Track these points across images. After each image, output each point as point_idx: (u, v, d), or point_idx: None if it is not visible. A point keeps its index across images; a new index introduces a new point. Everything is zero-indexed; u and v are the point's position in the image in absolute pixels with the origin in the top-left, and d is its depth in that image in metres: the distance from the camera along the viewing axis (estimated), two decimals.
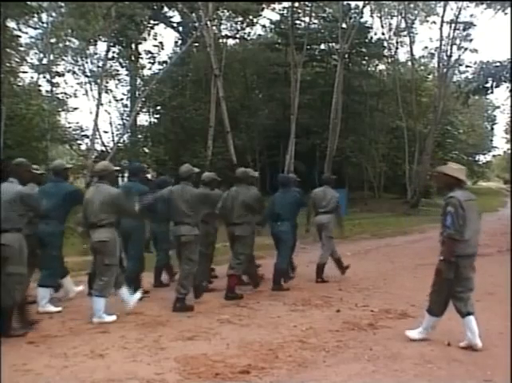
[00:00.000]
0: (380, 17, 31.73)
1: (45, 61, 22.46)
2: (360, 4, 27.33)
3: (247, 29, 28.40)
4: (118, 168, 6.47)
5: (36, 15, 18.49)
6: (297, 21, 27.36)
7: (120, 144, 21.80)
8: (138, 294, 6.05)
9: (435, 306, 4.84)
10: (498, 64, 17.28)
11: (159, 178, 7.81)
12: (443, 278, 4.67)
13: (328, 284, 7.95)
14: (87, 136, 22.47)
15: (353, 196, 26.88)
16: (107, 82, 24.06)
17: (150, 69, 25.45)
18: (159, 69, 23.61)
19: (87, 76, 24.52)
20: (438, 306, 4.82)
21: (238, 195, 6.98)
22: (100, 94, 19.65)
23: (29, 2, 15.67)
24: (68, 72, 24.37)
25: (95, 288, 5.65)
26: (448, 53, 28.69)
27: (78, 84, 24.94)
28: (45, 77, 22.72)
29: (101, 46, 24.31)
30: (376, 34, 30.68)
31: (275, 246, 7.79)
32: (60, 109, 23.77)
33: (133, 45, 24.58)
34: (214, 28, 23.68)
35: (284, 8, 27.02)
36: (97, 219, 5.60)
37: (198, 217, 6.29)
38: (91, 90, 24.59)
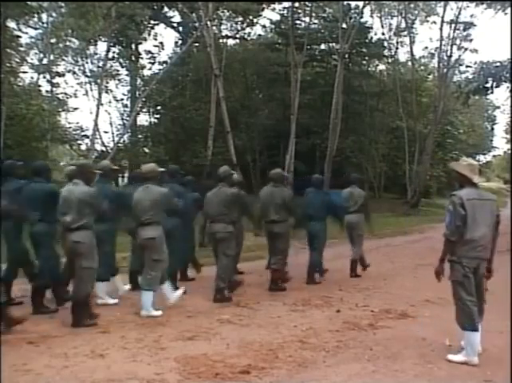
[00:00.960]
0: (380, 18, 31.72)
1: (45, 61, 22.48)
2: (361, 4, 27.32)
3: (247, 29, 28.44)
4: (163, 169, 6.74)
5: (36, 15, 18.52)
6: (297, 21, 27.33)
7: (120, 144, 21.83)
8: (180, 290, 6.35)
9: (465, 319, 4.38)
10: (498, 64, 17.30)
11: (184, 178, 8.07)
12: (455, 286, 4.42)
13: (328, 284, 7.96)
14: (87, 136, 22.51)
15: None
16: (107, 82, 24.09)
17: (150, 69, 25.53)
18: (160, 69, 23.64)
19: (87, 76, 24.56)
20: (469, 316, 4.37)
21: (274, 194, 7.39)
22: (100, 94, 19.68)
23: (29, 2, 15.69)
24: (69, 72, 24.42)
25: (143, 282, 5.96)
26: (448, 53, 28.70)
27: (78, 84, 25.00)
28: (45, 77, 22.76)
29: (101, 46, 24.29)
30: (376, 34, 30.71)
31: (308, 244, 8.23)
32: (60, 109, 23.80)
33: (133, 45, 24.61)
34: (214, 28, 23.67)
35: (284, 8, 27.04)
36: (146, 217, 5.93)
37: (232, 215, 6.69)
38: (91, 90, 24.65)
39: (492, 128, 62.53)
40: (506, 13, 21.50)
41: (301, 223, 7.98)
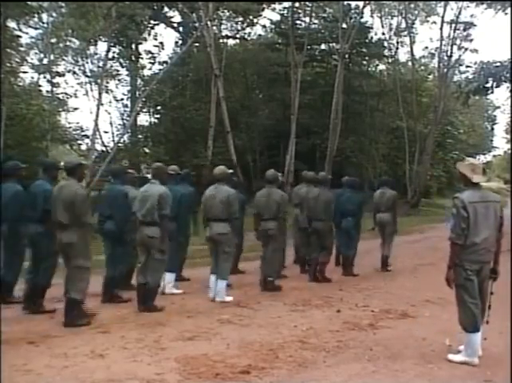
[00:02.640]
0: (381, 18, 31.70)
1: (45, 61, 22.47)
2: (361, 4, 27.34)
3: (247, 30, 28.46)
4: (230, 171, 7.32)
5: (36, 15, 18.52)
6: (298, 22, 27.35)
7: (120, 144, 21.82)
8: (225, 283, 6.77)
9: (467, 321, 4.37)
10: (498, 64, 17.29)
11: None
12: (458, 289, 4.40)
13: (328, 284, 7.97)
14: (87, 136, 22.52)
15: None
16: (107, 82, 24.08)
17: (150, 69, 25.54)
18: (160, 69, 23.64)
19: (87, 76, 24.54)
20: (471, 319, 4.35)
21: (319, 195, 8.07)
22: (100, 94, 19.66)
23: (29, 2, 15.69)
24: (69, 72, 24.39)
25: (217, 272, 6.64)
26: (448, 53, 28.73)
27: (78, 84, 24.96)
28: (45, 77, 22.74)
29: (102, 46, 24.28)
30: (376, 34, 30.70)
31: (340, 240, 8.92)
32: (60, 109, 23.81)
33: (133, 45, 24.62)
34: (214, 28, 23.71)
35: (284, 8, 27.04)
36: (216, 214, 6.61)
37: (280, 214, 7.33)
38: (91, 90, 24.61)
39: (492, 128, 62.54)
40: (506, 13, 21.50)
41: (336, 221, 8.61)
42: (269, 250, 7.38)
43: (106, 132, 26.18)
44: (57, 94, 23.78)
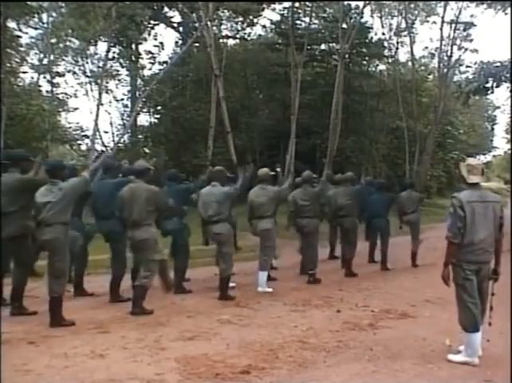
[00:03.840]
0: (381, 18, 31.67)
1: (45, 61, 22.49)
2: (361, 4, 27.29)
3: (247, 30, 28.41)
4: (274, 173, 7.83)
5: (36, 15, 18.52)
6: (298, 22, 27.29)
7: (120, 145, 21.84)
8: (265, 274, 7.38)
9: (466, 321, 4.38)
10: (498, 64, 17.29)
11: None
12: (457, 289, 4.41)
13: (328, 284, 7.97)
14: (87, 137, 22.56)
15: None
16: (107, 82, 24.11)
17: (150, 69, 25.56)
18: (160, 69, 23.64)
19: (87, 76, 24.56)
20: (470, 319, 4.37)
21: (346, 194, 8.87)
22: (100, 94, 19.68)
23: (29, 2, 15.68)
24: (69, 72, 24.43)
25: (260, 265, 7.34)
26: (449, 53, 28.71)
27: (78, 84, 25.03)
28: (45, 78, 22.77)
29: (102, 46, 24.37)
30: (376, 34, 30.62)
31: (370, 238, 9.82)
32: (60, 109, 23.84)
33: (133, 46, 24.63)
34: (214, 28, 23.68)
35: (284, 8, 27.00)
36: (262, 212, 7.31)
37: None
38: (91, 90, 24.65)
39: (492, 128, 62.38)
40: (506, 13, 21.52)
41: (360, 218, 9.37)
42: (306, 246, 8.15)
43: (106, 132, 26.30)
44: (57, 94, 23.83)
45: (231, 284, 7.02)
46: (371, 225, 9.65)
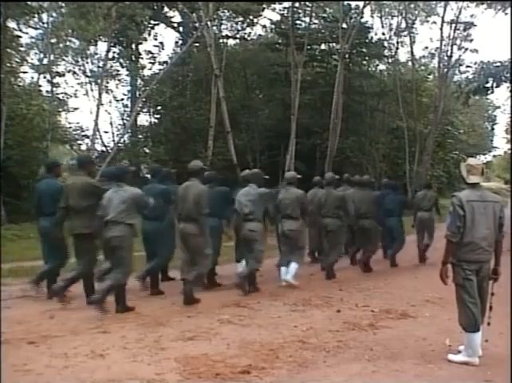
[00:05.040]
0: (381, 18, 31.65)
1: (45, 61, 22.42)
2: (361, 4, 27.28)
3: (248, 30, 28.34)
4: (299, 176, 8.18)
5: (36, 15, 18.47)
6: (298, 22, 27.28)
7: (120, 144, 21.81)
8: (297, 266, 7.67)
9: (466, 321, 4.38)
10: (498, 64, 17.29)
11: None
12: (457, 289, 4.41)
13: (328, 284, 7.98)
14: (87, 137, 22.52)
15: None
16: (107, 82, 24.07)
17: (150, 69, 25.49)
18: (160, 69, 23.61)
19: (87, 76, 24.50)
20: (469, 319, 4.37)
21: (366, 196, 9.33)
22: (100, 94, 19.69)
23: (29, 2, 15.67)
24: (69, 72, 24.32)
25: (293, 259, 7.62)
26: (449, 53, 28.67)
27: (78, 84, 24.90)
28: (45, 77, 22.69)
29: (102, 46, 24.28)
30: (376, 34, 30.62)
31: (386, 236, 10.16)
32: (60, 109, 23.78)
33: (134, 46, 24.59)
34: (214, 28, 23.69)
35: (284, 8, 26.96)
36: (288, 211, 7.67)
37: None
38: (91, 90, 24.56)
39: (492, 128, 62.32)
40: (506, 13, 21.49)
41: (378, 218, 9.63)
42: (329, 244, 8.61)
43: (106, 132, 26.20)
44: (57, 94, 23.74)
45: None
46: (385, 224, 10.00)
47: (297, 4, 25.74)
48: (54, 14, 21.05)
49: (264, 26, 29.83)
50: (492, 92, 18.18)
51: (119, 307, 5.93)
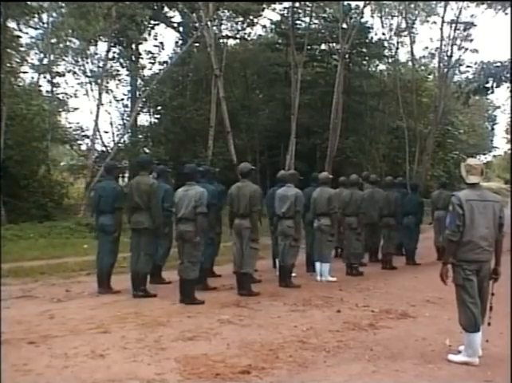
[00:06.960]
0: (381, 18, 31.65)
1: (45, 61, 22.40)
2: (361, 4, 27.29)
3: (248, 30, 28.30)
4: (331, 176, 8.82)
5: (36, 15, 18.44)
6: (298, 22, 27.29)
7: (120, 144, 21.79)
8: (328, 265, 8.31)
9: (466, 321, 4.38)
10: (498, 64, 17.32)
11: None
12: (457, 289, 4.41)
13: (328, 284, 7.97)
14: (87, 137, 22.47)
15: None
16: (107, 82, 24.03)
17: (150, 69, 25.45)
18: (160, 69, 23.60)
19: (87, 76, 24.47)
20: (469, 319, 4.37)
21: (388, 196, 9.92)
22: (100, 94, 19.68)
23: (29, 2, 15.66)
24: (69, 72, 24.28)
25: (320, 258, 8.26)
26: (449, 53, 28.72)
27: (79, 84, 24.85)
28: (45, 77, 22.67)
29: (102, 46, 24.25)
30: (376, 34, 30.63)
31: (403, 235, 10.33)
32: (60, 109, 23.73)
33: (134, 46, 24.55)
34: (214, 28, 23.68)
35: (284, 8, 26.95)
36: (321, 210, 8.27)
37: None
38: (91, 90, 24.53)
39: (492, 128, 62.23)
40: (506, 13, 21.52)
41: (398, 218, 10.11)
42: (350, 240, 8.94)
43: (106, 132, 26.21)
44: (57, 94, 23.71)
45: (293, 274, 7.83)
46: (403, 223, 10.31)
47: (297, 4, 25.74)
48: (54, 14, 21.05)
49: (264, 26, 29.88)
50: (492, 92, 18.23)
51: (186, 299, 6.39)
